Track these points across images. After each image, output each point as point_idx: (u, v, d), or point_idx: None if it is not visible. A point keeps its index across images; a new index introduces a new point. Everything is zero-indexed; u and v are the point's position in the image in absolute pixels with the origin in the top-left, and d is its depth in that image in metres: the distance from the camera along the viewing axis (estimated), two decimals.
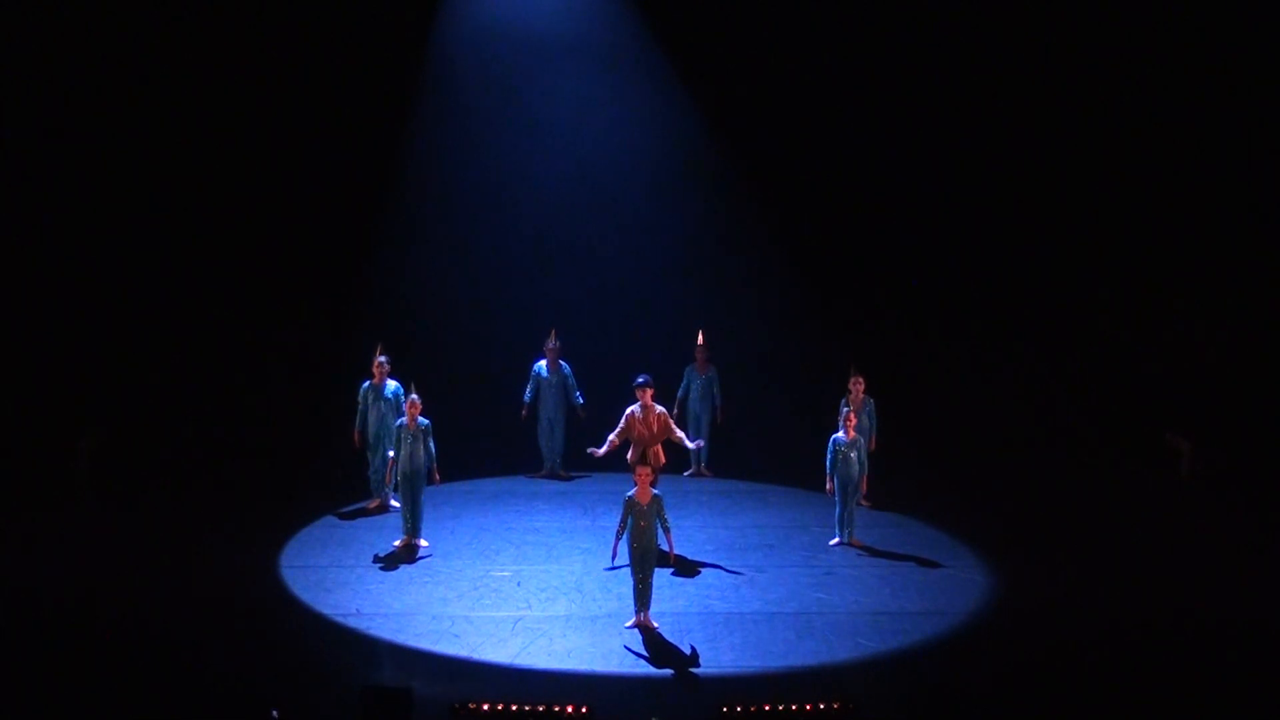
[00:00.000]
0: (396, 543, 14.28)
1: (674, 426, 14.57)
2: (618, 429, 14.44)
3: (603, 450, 14.39)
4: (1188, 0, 17.84)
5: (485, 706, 9.33)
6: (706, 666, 11.33)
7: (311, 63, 18.46)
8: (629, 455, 14.36)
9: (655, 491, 12.07)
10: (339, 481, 16.18)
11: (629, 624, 12.08)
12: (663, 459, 14.50)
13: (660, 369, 17.75)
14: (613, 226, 19.64)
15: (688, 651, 11.61)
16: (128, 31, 18.09)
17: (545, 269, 19.62)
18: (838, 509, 14.50)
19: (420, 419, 14.32)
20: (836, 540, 14.50)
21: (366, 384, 15.70)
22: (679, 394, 17.26)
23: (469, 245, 19.60)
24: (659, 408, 14.53)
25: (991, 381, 18.63)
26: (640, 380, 14.53)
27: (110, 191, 18.48)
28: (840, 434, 14.47)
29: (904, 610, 12.64)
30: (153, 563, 13.70)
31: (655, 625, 12.05)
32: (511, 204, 19.64)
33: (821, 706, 9.28)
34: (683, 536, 13.17)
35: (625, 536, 12.02)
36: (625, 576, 12.24)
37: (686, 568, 13.51)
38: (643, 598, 12.06)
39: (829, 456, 14.47)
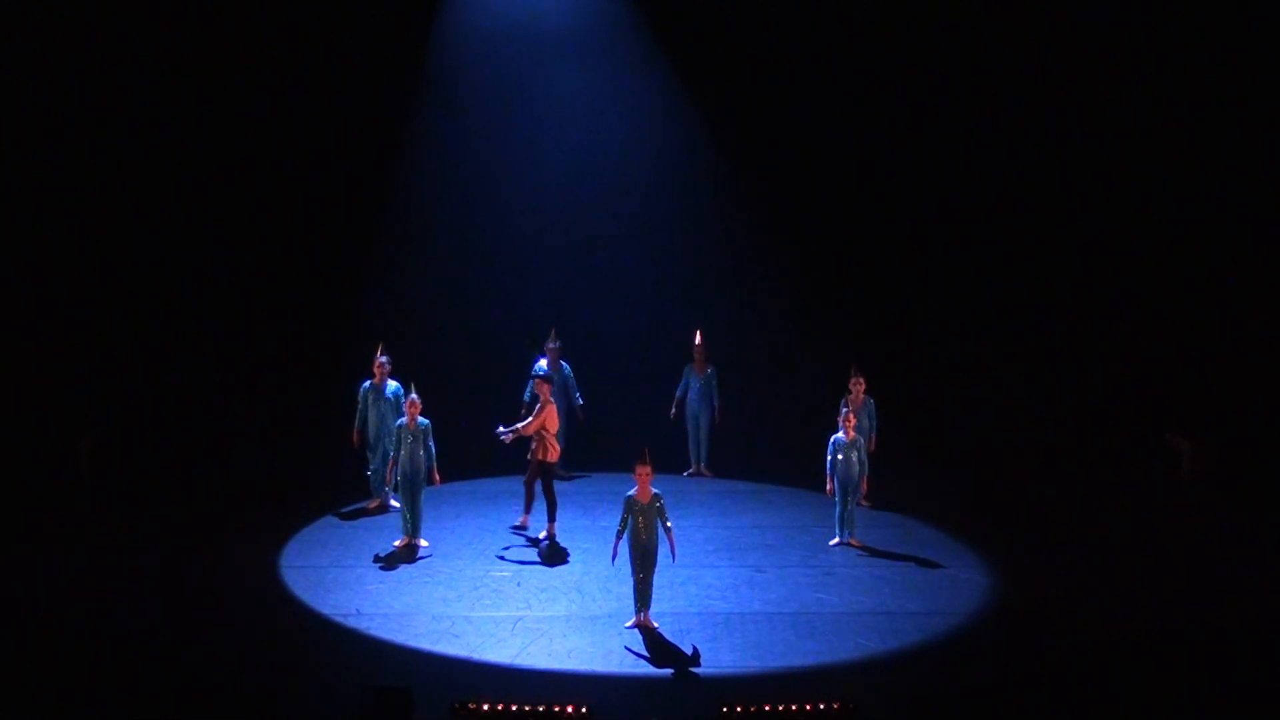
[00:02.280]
0: (396, 543, 14.29)
1: (539, 424, 14.66)
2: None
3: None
4: (1188, 0, 17.86)
5: (485, 706, 9.34)
6: (706, 666, 11.34)
7: (311, 61, 18.43)
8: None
9: (655, 490, 12.07)
10: (339, 481, 16.18)
11: (629, 624, 12.09)
12: (551, 449, 14.63)
13: (660, 368, 17.82)
14: (613, 225, 19.62)
15: (688, 651, 11.62)
16: (128, 30, 18.08)
17: (545, 268, 19.59)
18: (837, 509, 14.50)
19: (420, 419, 14.32)
20: (836, 540, 14.50)
21: (367, 384, 15.70)
22: (678, 393, 17.25)
23: (469, 245, 19.58)
24: (551, 404, 14.76)
25: (992, 381, 18.61)
26: (539, 373, 14.90)
27: (110, 191, 18.47)
28: (840, 434, 14.47)
29: (904, 610, 12.64)
30: (153, 562, 13.71)
31: (655, 625, 12.05)
32: (512, 203, 19.61)
33: (821, 706, 9.29)
34: (683, 536, 13.13)
35: (625, 536, 12.02)
36: (625, 576, 12.24)
37: (686, 568, 13.48)
38: (643, 598, 12.06)
39: (829, 457, 14.47)
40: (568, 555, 14.19)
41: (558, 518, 14.71)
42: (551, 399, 14.80)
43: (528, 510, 14.99)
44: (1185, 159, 18.17)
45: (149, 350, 18.56)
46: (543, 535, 14.71)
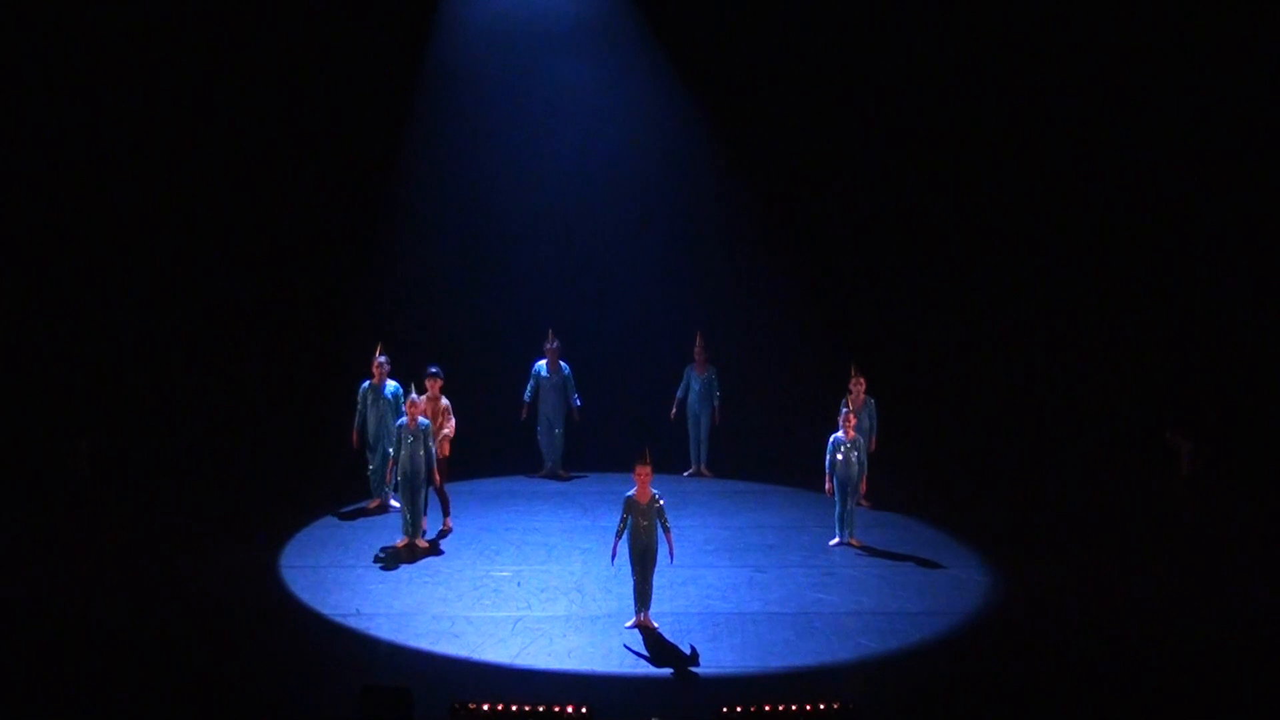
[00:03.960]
0: (397, 543, 14.29)
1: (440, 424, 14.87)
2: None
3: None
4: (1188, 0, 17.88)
5: (485, 706, 9.33)
6: (706, 666, 11.33)
7: (310, 60, 18.43)
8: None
9: (655, 491, 12.07)
10: (339, 481, 16.17)
11: (629, 624, 12.09)
12: (446, 449, 14.91)
13: (660, 368, 17.82)
14: (613, 225, 19.61)
15: (688, 651, 11.61)
16: (127, 29, 18.08)
17: (545, 268, 19.59)
18: (837, 509, 14.49)
19: (420, 419, 14.33)
20: (836, 540, 14.50)
21: (366, 384, 15.70)
22: (678, 394, 17.25)
23: (469, 244, 19.58)
24: (443, 401, 14.94)
25: (992, 381, 18.62)
26: (431, 370, 14.95)
27: (109, 191, 18.47)
28: (840, 434, 14.47)
29: (904, 610, 12.64)
30: (153, 563, 13.70)
31: (655, 625, 12.05)
32: (511, 203, 19.60)
33: (821, 706, 9.27)
34: (683, 536, 13.18)
35: (625, 536, 12.02)
36: (625, 576, 12.24)
37: (686, 568, 13.48)
38: (643, 598, 12.06)
39: (829, 457, 14.47)
40: (568, 555, 14.21)
41: (559, 517, 14.70)
42: (443, 397, 14.94)
43: (447, 513, 15.04)
44: (1185, 159, 18.18)
45: (149, 351, 18.55)
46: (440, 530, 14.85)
